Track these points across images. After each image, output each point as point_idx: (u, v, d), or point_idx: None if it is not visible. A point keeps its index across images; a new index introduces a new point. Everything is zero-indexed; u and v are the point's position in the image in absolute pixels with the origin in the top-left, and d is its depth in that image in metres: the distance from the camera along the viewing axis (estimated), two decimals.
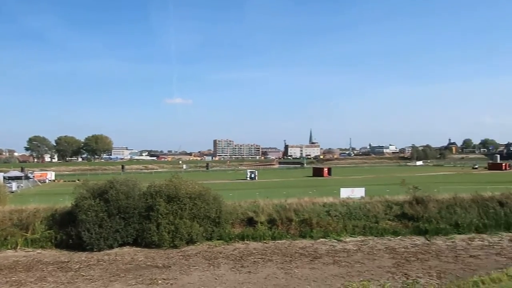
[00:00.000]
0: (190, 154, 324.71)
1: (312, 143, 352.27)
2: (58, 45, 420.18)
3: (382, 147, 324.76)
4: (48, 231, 30.71)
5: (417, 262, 25.20)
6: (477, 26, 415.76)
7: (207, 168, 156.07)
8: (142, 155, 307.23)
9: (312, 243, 30.26)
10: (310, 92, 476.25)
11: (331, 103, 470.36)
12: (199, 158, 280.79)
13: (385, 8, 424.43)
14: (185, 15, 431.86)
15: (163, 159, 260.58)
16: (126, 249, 29.39)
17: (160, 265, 25.42)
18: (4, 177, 76.41)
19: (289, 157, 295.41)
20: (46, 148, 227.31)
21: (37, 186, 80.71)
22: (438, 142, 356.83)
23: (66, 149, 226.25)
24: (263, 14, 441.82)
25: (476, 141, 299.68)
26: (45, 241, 30.14)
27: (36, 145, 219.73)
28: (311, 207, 34.74)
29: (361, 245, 29.70)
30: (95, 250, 28.56)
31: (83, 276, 23.44)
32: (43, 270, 24.71)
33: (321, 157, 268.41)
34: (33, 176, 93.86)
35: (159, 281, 22.17)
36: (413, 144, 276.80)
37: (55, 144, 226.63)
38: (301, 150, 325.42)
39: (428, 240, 30.73)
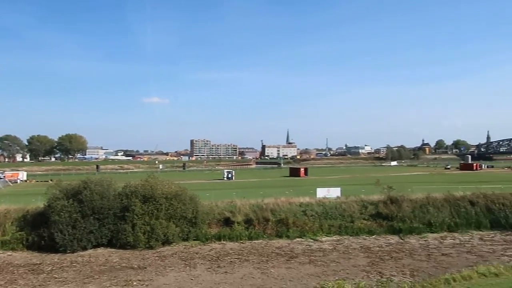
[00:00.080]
0: (166, 154, 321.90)
1: (289, 143, 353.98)
2: (32, 43, 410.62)
3: (358, 147, 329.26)
4: (19, 232, 29.98)
5: (391, 260, 25.63)
6: (446, 30, 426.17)
7: (184, 168, 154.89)
8: (118, 155, 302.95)
9: (289, 243, 30.41)
10: (287, 92, 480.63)
11: (307, 104, 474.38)
12: (175, 158, 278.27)
13: (361, 8, 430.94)
14: (162, 16, 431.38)
15: (139, 159, 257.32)
16: (100, 250, 28.93)
17: (136, 266, 25.12)
18: None
19: (266, 157, 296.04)
20: (18, 148, 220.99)
21: (8, 187, 78.45)
22: (412, 142, 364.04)
23: (39, 148, 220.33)
24: (240, 15, 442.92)
25: (448, 142, 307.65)
26: (16, 242, 29.41)
27: (7, 144, 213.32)
28: (288, 207, 34.94)
29: (337, 244, 30.02)
30: (68, 251, 28.02)
31: (56, 278, 22.94)
32: (14, 273, 24.06)
33: (298, 157, 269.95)
34: (4, 176, 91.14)
35: (134, 283, 21.90)
36: (388, 145, 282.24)
37: (27, 144, 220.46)
38: (278, 150, 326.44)
39: (402, 239, 31.29)
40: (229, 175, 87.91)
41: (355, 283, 19.61)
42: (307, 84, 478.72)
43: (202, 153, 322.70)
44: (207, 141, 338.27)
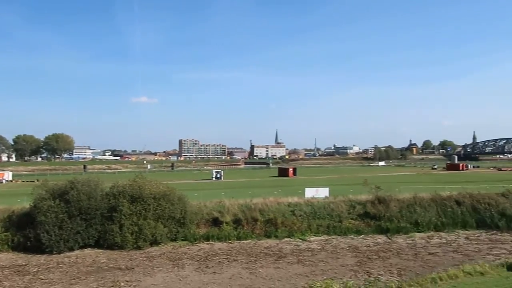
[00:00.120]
0: (155, 154, 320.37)
1: (277, 144, 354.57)
2: (21, 43, 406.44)
3: (346, 147, 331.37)
4: (5, 233, 29.51)
5: (378, 260, 25.79)
6: (438, 31, 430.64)
7: (172, 168, 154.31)
8: (105, 155, 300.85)
9: (277, 243, 30.44)
10: (276, 92, 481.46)
11: (296, 104, 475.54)
12: (164, 158, 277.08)
13: (347, 10, 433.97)
14: (151, 16, 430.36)
15: (127, 159, 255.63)
16: (87, 251, 28.65)
17: (123, 267, 24.91)
18: None
19: (255, 157, 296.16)
20: (3, 147, 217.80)
21: None
22: (400, 143, 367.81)
23: (25, 148, 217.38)
24: (229, 16, 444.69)
25: (435, 142, 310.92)
26: (1, 244, 28.95)
27: None
28: (276, 207, 34.98)
29: (325, 244, 30.13)
30: (55, 252, 27.69)
31: (42, 279, 22.64)
32: None
33: (287, 157, 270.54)
34: None
35: (122, 283, 21.72)
36: (375, 145, 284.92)
37: (13, 143, 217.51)
38: (267, 150, 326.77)
39: (390, 239, 31.52)
40: (218, 175, 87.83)
41: (343, 283, 19.71)
42: (295, 84, 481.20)
43: (190, 153, 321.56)
44: (195, 141, 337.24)
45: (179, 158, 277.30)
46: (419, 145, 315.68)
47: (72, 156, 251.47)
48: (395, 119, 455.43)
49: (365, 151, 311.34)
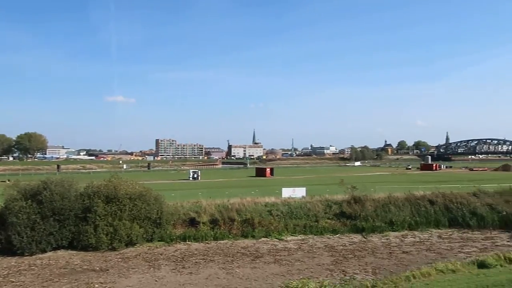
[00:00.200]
0: (131, 153, 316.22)
1: (255, 144, 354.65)
2: None
3: (323, 148, 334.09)
4: None
5: (354, 259, 26.11)
6: (412, 33, 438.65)
7: (149, 168, 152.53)
8: (80, 155, 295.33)
9: (254, 243, 30.48)
10: (254, 93, 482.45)
11: (273, 104, 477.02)
12: (140, 158, 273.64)
13: (324, 11, 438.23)
14: (128, 16, 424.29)
15: (102, 158, 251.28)
16: (60, 252, 28.07)
17: (97, 268, 24.51)
18: None
19: (233, 157, 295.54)
20: None
21: None
22: (376, 143, 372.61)
23: None
24: (208, 16, 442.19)
25: (410, 143, 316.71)
26: None
27: None
28: (253, 207, 35.02)
29: (302, 243, 30.32)
30: (27, 254, 27.03)
31: (13, 282, 22.04)
32: None
33: (264, 157, 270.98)
34: None
35: (96, 285, 21.36)
36: (352, 145, 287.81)
37: None
38: (245, 151, 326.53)
39: (365, 238, 31.96)
40: (195, 175, 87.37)
41: (319, 282, 19.78)
42: (274, 84, 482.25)
43: (167, 153, 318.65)
44: (172, 140, 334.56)
45: (155, 158, 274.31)
46: (394, 145, 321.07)
47: (45, 155, 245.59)
48: (371, 120, 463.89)
49: (342, 151, 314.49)
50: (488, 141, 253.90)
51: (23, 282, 22.09)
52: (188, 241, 30.67)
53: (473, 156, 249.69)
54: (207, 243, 30.46)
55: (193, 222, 32.60)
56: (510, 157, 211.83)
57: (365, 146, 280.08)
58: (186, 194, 42.59)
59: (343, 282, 20.89)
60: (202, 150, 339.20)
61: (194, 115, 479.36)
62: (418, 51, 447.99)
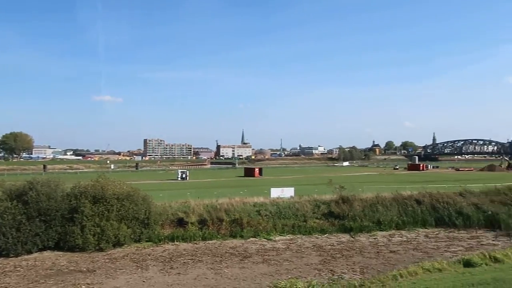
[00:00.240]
0: (118, 153, 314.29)
1: (244, 144, 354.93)
2: None
3: (311, 148, 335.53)
4: None
5: (342, 258, 26.23)
6: (402, 35, 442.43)
7: (137, 168, 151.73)
8: (67, 154, 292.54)
9: (243, 243, 30.45)
10: (243, 93, 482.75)
11: (262, 105, 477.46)
12: (128, 158, 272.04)
13: (313, 11, 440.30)
14: (116, 15, 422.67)
15: (89, 158, 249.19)
16: (47, 253, 27.72)
17: (84, 269, 24.26)
18: None
19: (221, 157, 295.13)
20: None
21: None
22: (364, 143, 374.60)
23: None
24: (197, 16, 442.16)
25: (397, 143, 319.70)
26: None
27: None
28: (242, 207, 34.99)
29: (290, 243, 30.38)
30: (12, 255, 26.62)
31: None
32: None
33: (253, 157, 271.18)
34: None
35: (83, 286, 21.13)
36: (340, 146, 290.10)
37: None
38: (233, 151, 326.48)
39: (353, 237, 32.12)
40: (183, 175, 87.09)
41: (307, 281, 19.82)
42: (263, 85, 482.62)
43: (155, 153, 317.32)
44: (161, 140, 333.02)
45: (143, 158, 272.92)
46: (382, 145, 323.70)
47: (31, 155, 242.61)
48: (359, 120, 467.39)
49: (330, 151, 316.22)
50: (474, 141, 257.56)
51: (8, 283, 21.76)
52: (177, 242, 30.53)
53: (459, 157, 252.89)
54: (196, 243, 30.36)
55: (181, 222, 32.46)
56: (496, 157, 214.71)
57: (353, 146, 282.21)
58: (175, 194, 42.39)
59: (331, 281, 20.94)
60: (190, 150, 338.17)
61: (183, 115, 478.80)
62: (406, 52, 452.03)
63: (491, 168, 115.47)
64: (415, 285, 15.60)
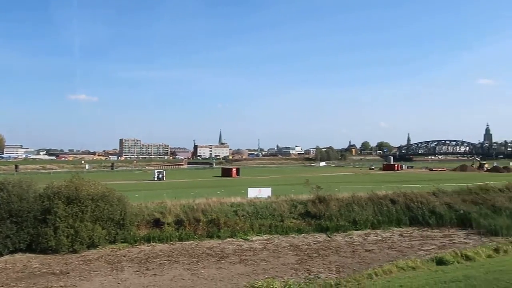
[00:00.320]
0: (94, 153, 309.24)
1: (221, 144, 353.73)
2: None
3: (288, 148, 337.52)
4: None
5: (318, 258, 26.41)
6: (377, 36, 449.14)
7: (112, 168, 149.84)
8: (40, 154, 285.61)
9: (220, 243, 30.35)
10: (221, 93, 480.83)
11: (240, 105, 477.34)
12: (103, 158, 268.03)
13: (289, 12, 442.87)
14: (91, 14, 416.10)
15: (63, 158, 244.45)
16: (18, 256, 27.01)
17: (57, 271, 23.74)
18: None
19: (199, 157, 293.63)
20: None
21: None
22: (340, 144, 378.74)
23: None
24: (174, 16, 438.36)
25: (373, 143, 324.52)
26: None
27: None
28: (219, 207, 34.86)
29: (267, 243, 30.43)
30: None
31: None
32: None
33: (230, 157, 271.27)
34: None
35: None
36: (317, 146, 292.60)
37: None
38: (211, 151, 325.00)
39: (329, 237, 32.39)
40: (160, 176, 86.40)
41: (284, 281, 19.91)
42: (240, 85, 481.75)
43: (131, 152, 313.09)
44: (137, 140, 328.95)
45: (119, 158, 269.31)
46: (358, 146, 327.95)
47: (2, 155, 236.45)
48: (336, 121, 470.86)
49: (307, 151, 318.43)
50: (447, 142, 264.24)
51: None
52: (153, 242, 30.21)
53: (433, 157, 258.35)
54: (172, 244, 30.10)
55: (157, 223, 32.13)
56: (468, 157, 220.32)
57: (330, 146, 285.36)
58: (151, 195, 41.97)
59: (307, 281, 21.05)
60: (167, 150, 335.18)
61: (159, 115, 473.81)
62: (382, 53, 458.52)
63: (463, 168, 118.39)
64: (390, 283, 15.85)
